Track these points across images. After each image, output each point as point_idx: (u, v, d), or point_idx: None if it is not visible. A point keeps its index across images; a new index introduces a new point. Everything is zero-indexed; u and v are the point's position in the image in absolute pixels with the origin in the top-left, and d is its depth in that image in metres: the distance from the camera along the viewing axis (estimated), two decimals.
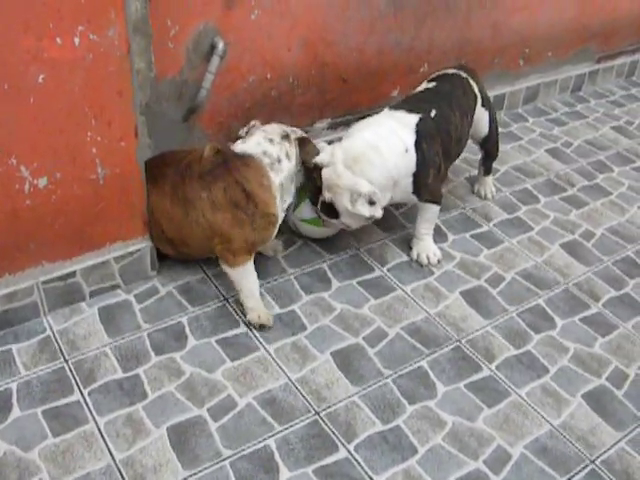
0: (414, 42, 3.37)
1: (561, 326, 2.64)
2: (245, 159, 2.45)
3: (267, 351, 2.41)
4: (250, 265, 2.49)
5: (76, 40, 2.08)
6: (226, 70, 2.81)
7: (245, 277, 2.49)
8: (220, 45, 2.70)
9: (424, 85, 2.94)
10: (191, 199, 2.45)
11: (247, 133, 2.61)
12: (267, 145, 2.49)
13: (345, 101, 3.28)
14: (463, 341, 2.52)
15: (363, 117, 3.37)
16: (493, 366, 2.44)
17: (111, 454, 2.07)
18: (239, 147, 2.50)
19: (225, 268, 2.49)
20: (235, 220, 2.42)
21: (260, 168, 2.45)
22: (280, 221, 2.54)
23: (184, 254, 2.63)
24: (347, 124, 3.35)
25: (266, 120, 3.04)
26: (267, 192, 2.44)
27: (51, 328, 2.45)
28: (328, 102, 3.23)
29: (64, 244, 2.42)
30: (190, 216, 2.46)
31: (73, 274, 2.47)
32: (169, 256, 2.67)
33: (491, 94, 3.87)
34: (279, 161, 2.48)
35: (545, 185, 3.45)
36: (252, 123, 2.65)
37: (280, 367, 2.36)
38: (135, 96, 2.31)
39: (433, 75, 3.01)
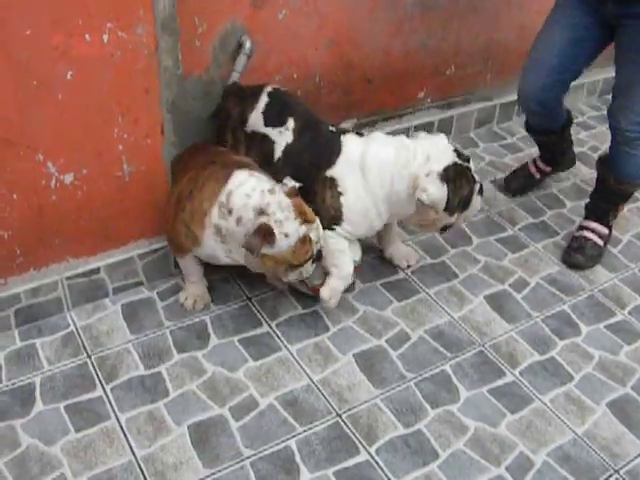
0: (441, 44, 3.35)
1: (586, 333, 2.61)
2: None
3: (289, 351, 2.41)
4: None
5: (105, 37, 2.09)
6: (252, 69, 2.80)
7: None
8: (247, 44, 2.70)
9: None
10: (199, 186, 2.33)
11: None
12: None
13: (370, 102, 3.27)
14: (486, 346, 2.50)
15: (388, 118, 3.40)
16: (517, 372, 2.42)
17: (132, 451, 2.07)
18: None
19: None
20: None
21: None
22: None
23: None
24: (372, 125, 3.34)
25: None
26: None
27: (74, 324, 2.46)
28: (353, 103, 3.21)
29: (89, 240, 2.43)
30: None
31: (97, 270, 2.48)
32: None
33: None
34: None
35: (571, 190, 3.41)
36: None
37: (302, 368, 2.36)
38: (162, 94, 2.32)
39: None
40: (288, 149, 2.49)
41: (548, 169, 3.32)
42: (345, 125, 3.17)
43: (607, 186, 2.88)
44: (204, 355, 2.37)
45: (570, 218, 3.20)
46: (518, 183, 3.32)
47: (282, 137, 2.51)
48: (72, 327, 2.45)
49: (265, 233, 2.13)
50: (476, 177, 2.44)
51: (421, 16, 3.19)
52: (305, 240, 2.19)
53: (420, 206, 2.36)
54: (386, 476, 2.05)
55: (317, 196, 2.42)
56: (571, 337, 2.58)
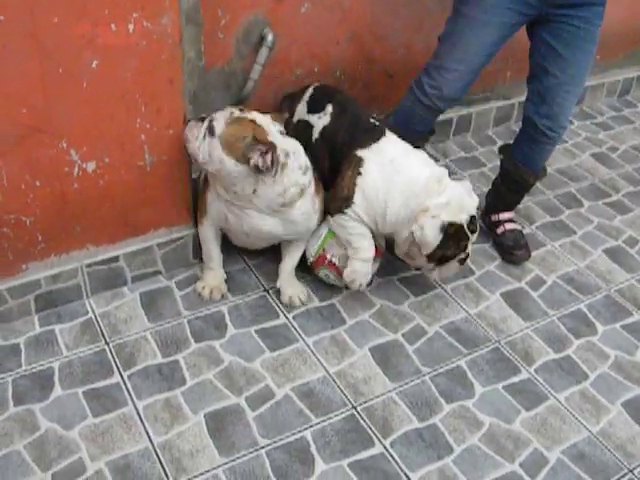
0: None
1: (602, 332, 2.61)
2: None
3: (306, 343, 2.42)
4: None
5: (130, 27, 2.10)
6: (274, 62, 2.81)
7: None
8: (269, 37, 2.71)
9: None
10: None
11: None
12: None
13: (391, 97, 3.25)
14: (502, 342, 2.51)
15: None
16: (532, 369, 2.42)
17: (149, 437, 2.09)
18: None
19: None
20: None
21: None
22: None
23: None
24: None
25: None
26: None
27: (93, 311, 2.48)
28: (374, 97, 3.22)
29: (109, 228, 2.45)
30: None
31: (116, 258, 2.50)
32: None
33: None
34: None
35: (589, 189, 3.41)
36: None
37: (318, 360, 2.37)
38: (185, 85, 2.33)
39: None
40: (324, 130, 2.58)
41: None
42: None
43: (525, 183, 2.86)
44: (221, 345, 2.39)
45: (588, 218, 3.19)
46: None
47: (320, 121, 2.59)
48: (91, 314, 2.47)
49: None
50: (468, 248, 2.44)
51: (442, 12, 3.18)
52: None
53: (410, 237, 2.38)
54: (401, 469, 2.06)
55: (340, 174, 2.47)
56: (587, 336, 2.58)
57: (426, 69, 2.66)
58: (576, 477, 2.10)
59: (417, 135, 2.81)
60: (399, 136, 2.54)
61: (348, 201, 2.44)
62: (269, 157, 2.20)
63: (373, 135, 2.48)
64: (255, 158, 2.21)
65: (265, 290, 2.62)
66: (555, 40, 2.49)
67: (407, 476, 2.05)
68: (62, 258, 2.42)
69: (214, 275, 2.58)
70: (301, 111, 2.67)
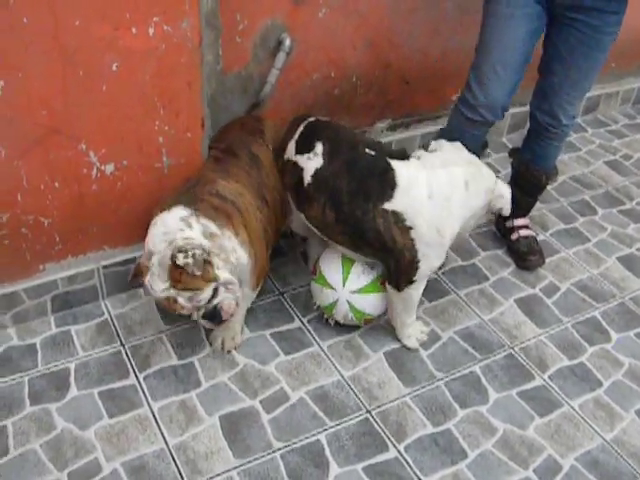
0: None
1: (616, 340, 2.61)
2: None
3: (321, 347, 2.43)
4: None
5: (150, 30, 2.12)
6: (291, 67, 2.82)
7: None
8: (287, 41, 2.72)
9: None
10: None
11: None
12: None
13: (406, 102, 3.28)
14: (516, 349, 2.51)
15: (422, 120, 3.41)
16: (546, 376, 2.42)
17: (164, 438, 2.10)
18: None
19: None
20: None
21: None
22: None
23: None
24: (407, 125, 3.36)
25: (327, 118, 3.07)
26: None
27: (109, 312, 2.49)
28: (389, 103, 3.23)
29: (126, 230, 2.46)
30: None
31: (132, 260, 2.51)
32: None
33: None
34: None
35: (603, 197, 3.40)
36: None
37: (333, 364, 2.37)
38: (204, 88, 2.34)
39: None
40: (318, 174, 2.29)
41: None
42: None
43: (538, 183, 2.86)
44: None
45: (602, 225, 3.19)
46: None
47: (311, 163, 2.30)
48: (107, 315, 2.48)
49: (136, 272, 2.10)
50: None
51: (460, 18, 3.20)
52: (170, 299, 2.03)
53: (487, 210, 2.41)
54: (415, 474, 2.06)
55: (379, 233, 2.23)
56: (601, 343, 2.58)
57: (467, 83, 2.60)
58: None
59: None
60: None
61: (415, 264, 2.26)
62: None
63: (385, 179, 2.23)
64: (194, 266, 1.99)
65: (280, 293, 2.63)
66: (561, 43, 2.50)
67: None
68: (79, 259, 2.43)
69: None
70: (290, 150, 2.41)
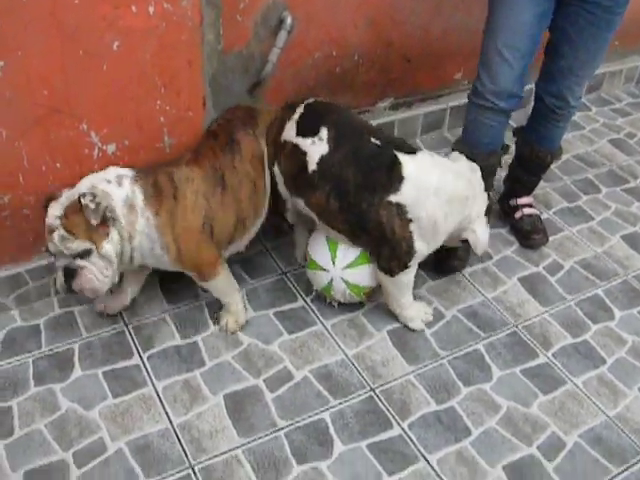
0: (480, 24, 3.29)
1: (619, 317, 2.60)
2: None
3: (324, 326, 2.43)
4: None
5: (151, 9, 2.11)
6: (292, 46, 2.80)
7: None
8: (288, 20, 2.69)
9: None
10: None
11: None
12: None
13: (408, 81, 3.25)
14: (520, 327, 2.50)
15: (424, 99, 3.39)
16: (549, 353, 2.42)
17: (169, 418, 2.11)
18: None
19: None
20: None
21: None
22: None
23: None
24: (409, 104, 3.34)
25: (330, 98, 3.05)
26: None
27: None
28: (391, 81, 3.20)
29: None
30: None
31: None
32: None
33: None
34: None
35: (607, 176, 3.39)
36: None
37: (337, 342, 2.38)
38: (204, 67, 2.33)
39: None
40: (324, 162, 2.26)
41: None
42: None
43: (543, 162, 2.85)
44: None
45: (606, 204, 3.18)
46: None
47: (315, 148, 2.28)
48: None
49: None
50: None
51: None
52: (50, 228, 2.03)
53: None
54: (419, 451, 2.07)
55: (381, 224, 2.23)
56: (604, 321, 2.58)
57: (477, 72, 2.57)
58: (593, 461, 2.11)
59: (489, 152, 2.65)
60: (468, 157, 2.45)
61: (410, 254, 2.27)
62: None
63: (393, 172, 2.22)
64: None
65: (283, 273, 2.63)
66: (570, 24, 2.46)
67: (425, 458, 2.05)
68: None
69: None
70: (289, 131, 2.35)
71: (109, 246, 2.03)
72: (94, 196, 1.97)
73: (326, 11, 2.82)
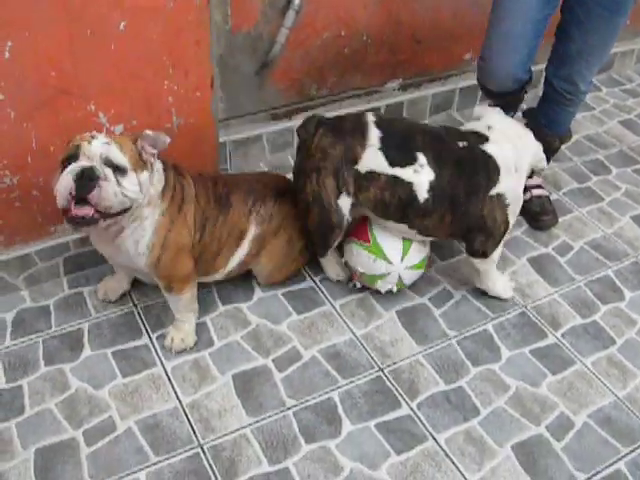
0: (490, 3, 3.29)
1: (629, 298, 2.59)
2: None
3: (333, 306, 2.43)
4: None
5: None
6: (301, 26, 2.79)
7: None
8: (297, 0, 2.68)
9: None
10: None
11: None
12: None
13: (417, 62, 3.24)
14: (529, 307, 2.50)
15: (434, 79, 3.37)
16: (559, 334, 2.41)
17: (177, 397, 2.12)
18: None
19: None
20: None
21: None
22: None
23: None
24: (418, 85, 3.32)
25: (338, 79, 3.04)
26: None
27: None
28: (400, 62, 3.19)
29: None
30: None
31: None
32: None
33: None
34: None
35: (617, 156, 3.37)
36: None
37: (345, 322, 2.38)
38: (212, 47, 2.32)
39: None
40: (435, 186, 2.20)
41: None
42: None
43: (550, 146, 2.79)
44: (249, 307, 2.41)
45: (616, 185, 3.16)
46: None
47: (420, 176, 2.19)
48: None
49: None
50: None
51: None
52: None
53: None
54: (427, 430, 2.07)
55: (483, 218, 2.27)
56: (614, 302, 2.57)
57: (481, 54, 2.58)
58: (602, 441, 2.10)
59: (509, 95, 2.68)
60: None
61: (505, 232, 2.36)
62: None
63: (489, 168, 2.24)
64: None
65: None
66: (579, 5, 2.44)
67: (433, 437, 2.06)
68: None
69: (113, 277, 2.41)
70: (376, 161, 2.18)
71: (145, 177, 1.98)
72: (154, 135, 2.00)
73: None
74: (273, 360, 2.24)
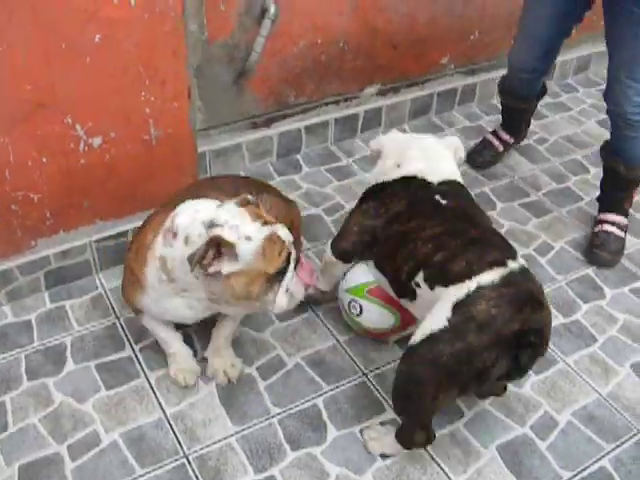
0: (465, 8, 3.33)
1: (610, 296, 2.61)
2: None
3: (316, 313, 2.43)
4: None
5: (132, 0, 2.09)
6: (277, 34, 2.80)
7: None
8: (272, 8, 2.69)
9: None
10: None
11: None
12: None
13: (395, 67, 3.26)
14: None
15: (411, 84, 3.39)
16: None
17: (162, 408, 2.11)
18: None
19: None
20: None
21: None
22: None
23: None
24: (396, 91, 3.34)
25: (316, 86, 3.06)
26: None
27: (103, 286, 2.49)
28: (377, 68, 3.21)
29: (117, 203, 2.46)
30: None
31: (125, 233, 2.51)
32: None
33: None
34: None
35: (596, 156, 3.36)
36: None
37: (329, 329, 2.38)
38: (189, 57, 2.32)
39: None
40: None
41: (511, 140, 3.26)
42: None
43: (618, 175, 2.72)
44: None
45: (594, 184, 3.17)
46: (483, 158, 3.23)
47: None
48: (101, 289, 2.48)
49: (218, 243, 1.72)
50: None
51: None
52: (273, 239, 1.78)
53: None
54: None
55: None
56: (595, 300, 2.59)
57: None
58: (586, 438, 2.12)
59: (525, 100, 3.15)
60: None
61: None
62: None
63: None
64: None
65: None
66: (611, 19, 2.45)
67: None
68: (71, 234, 2.43)
69: (180, 358, 2.20)
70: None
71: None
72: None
73: None
74: (257, 368, 2.24)
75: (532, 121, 3.33)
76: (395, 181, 2.16)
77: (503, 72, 3.70)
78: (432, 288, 1.87)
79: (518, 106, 3.15)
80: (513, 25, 3.49)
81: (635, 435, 2.13)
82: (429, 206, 2.04)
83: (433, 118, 3.54)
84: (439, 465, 2.01)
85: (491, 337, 1.70)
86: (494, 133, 3.28)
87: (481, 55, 3.56)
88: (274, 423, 2.09)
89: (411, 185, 2.12)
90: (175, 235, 1.81)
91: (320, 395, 2.17)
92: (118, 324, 2.37)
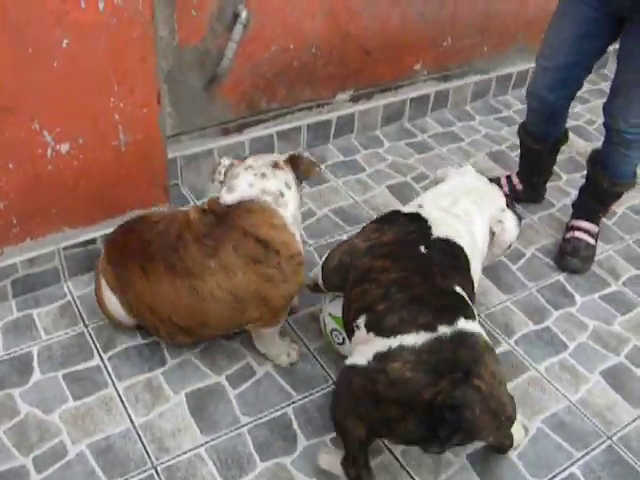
0: (438, 14, 3.33)
1: (581, 303, 2.63)
2: (244, 206, 2.03)
3: (286, 322, 2.41)
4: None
5: (100, 5, 2.07)
6: (249, 39, 2.78)
7: (277, 331, 2.24)
8: (243, 14, 2.68)
9: None
10: (196, 272, 2.00)
11: (225, 176, 2.15)
12: (261, 182, 2.06)
13: (368, 73, 3.25)
14: (482, 315, 2.51)
15: (384, 90, 3.39)
16: (512, 341, 2.44)
17: (130, 418, 2.09)
18: (229, 197, 2.05)
19: (263, 332, 2.20)
20: (262, 277, 2.01)
21: (266, 209, 2.03)
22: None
23: (205, 336, 2.25)
24: (369, 96, 3.33)
25: (288, 92, 3.04)
26: (283, 232, 2.04)
27: (71, 294, 2.46)
28: (350, 74, 3.20)
29: (85, 210, 2.43)
30: (201, 292, 2.00)
31: (94, 241, 2.48)
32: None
33: (514, 70, 3.84)
34: (282, 194, 2.06)
35: (567, 162, 3.42)
36: (224, 162, 2.17)
37: (299, 337, 2.37)
38: (158, 63, 2.30)
39: None
40: None
41: (520, 187, 3.09)
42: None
43: (600, 187, 2.74)
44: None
45: (565, 190, 3.21)
46: None
47: None
48: (69, 297, 2.45)
49: (296, 157, 2.16)
50: None
51: None
52: None
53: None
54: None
55: None
56: (566, 307, 2.60)
57: None
58: (556, 445, 2.12)
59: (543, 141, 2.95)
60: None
61: None
62: None
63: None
64: None
65: None
66: (626, 36, 2.44)
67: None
68: (38, 241, 2.39)
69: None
70: None
71: None
72: None
73: (282, 4, 2.81)
74: (227, 377, 2.22)
75: (507, 127, 3.33)
76: (408, 214, 2.12)
77: (475, 78, 3.74)
78: (367, 332, 1.84)
79: (533, 148, 2.98)
80: (486, 31, 3.52)
81: (604, 442, 2.15)
82: (408, 250, 1.98)
83: (406, 124, 3.55)
84: (409, 474, 2.01)
85: (400, 396, 1.67)
86: (507, 178, 3.14)
87: (454, 61, 3.57)
88: (244, 433, 2.07)
89: (412, 224, 2.06)
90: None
91: (290, 404, 2.16)
92: (87, 332, 2.34)
